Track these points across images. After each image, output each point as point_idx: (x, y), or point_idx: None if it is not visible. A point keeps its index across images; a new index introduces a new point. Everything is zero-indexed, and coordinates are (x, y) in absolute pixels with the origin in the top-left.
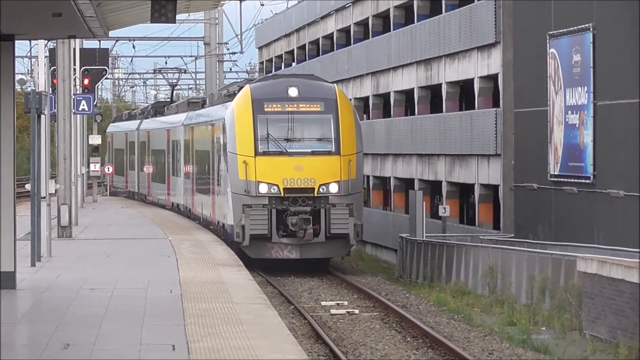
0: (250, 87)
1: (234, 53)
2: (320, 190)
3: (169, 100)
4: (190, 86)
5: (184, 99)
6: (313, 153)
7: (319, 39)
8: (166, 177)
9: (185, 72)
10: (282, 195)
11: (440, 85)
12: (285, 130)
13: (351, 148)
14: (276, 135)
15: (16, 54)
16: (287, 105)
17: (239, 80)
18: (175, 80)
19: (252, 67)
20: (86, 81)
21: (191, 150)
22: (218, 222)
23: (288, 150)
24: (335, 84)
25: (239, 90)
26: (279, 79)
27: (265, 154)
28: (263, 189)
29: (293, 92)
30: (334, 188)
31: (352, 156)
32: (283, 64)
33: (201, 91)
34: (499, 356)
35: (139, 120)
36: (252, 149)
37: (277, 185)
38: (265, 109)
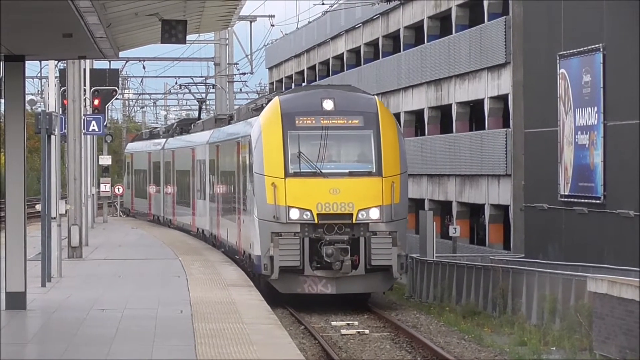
0: (280, 99)
1: (244, 73)
2: (359, 216)
3: (195, 117)
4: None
5: (211, 116)
6: (351, 174)
7: (329, 59)
8: (191, 200)
9: (213, 87)
10: (316, 222)
11: (450, 105)
12: (319, 148)
13: (394, 168)
14: (309, 153)
15: (26, 75)
16: (321, 120)
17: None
18: (203, 95)
19: (262, 88)
20: (96, 102)
21: (216, 170)
22: (244, 252)
23: (322, 171)
24: (376, 96)
25: (267, 103)
26: (312, 90)
27: (296, 175)
28: (294, 214)
29: (328, 104)
30: (374, 214)
31: (395, 177)
32: (293, 84)
33: (211, 112)
34: None
35: (164, 139)
36: (282, 170)
37: (310, 211)
38: (297, 124)
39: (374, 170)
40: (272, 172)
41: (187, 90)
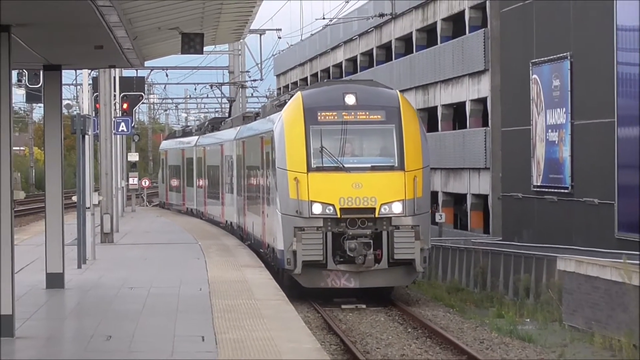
0: (302, 94)
1: (254, 80)
2: (382, 210)
3: (226, 116)
4: (216, 110)
5: (239, 114)
6: (373, 168)
7: (329, 67)
8: (220, 194)
9: (243, 87)
10: (339, 216)
11: (436, 107)
12: (342, 143)
13: (417, 162)
14: (331, 148)
15: (63, 82)
16: (343, 114)
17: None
18: (234, 95)
19: (271, 93)
20: (125, 105)
21: (243, 165)
22: (268, 246)
23: (345, 166)
24: (397, 90)
25: (290, 99)
26: (335, 85)
27: (319, 169)
28: (317, 209)
29: (350, 99)
30: (397, 208)
31: (418, 172)
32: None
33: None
34: (489, 345)
35: (196, 137)
36: (304, 164)
37: (333, 205)
38: (319, 119)
39: (397, 165)
40: (294, 167)
41: (205, 95)
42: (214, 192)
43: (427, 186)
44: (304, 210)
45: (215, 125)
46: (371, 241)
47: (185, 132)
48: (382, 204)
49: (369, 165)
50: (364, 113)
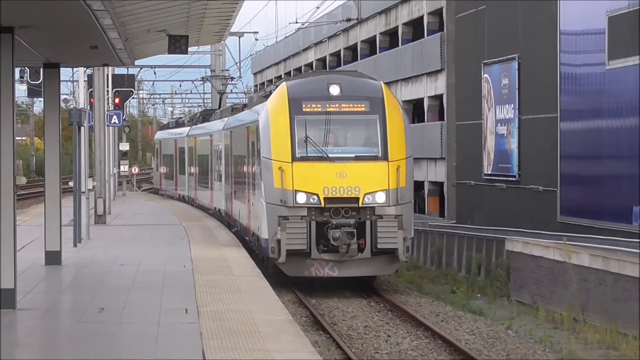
0: (287, 84)
1: (233, 78)
2: (366, 200)
3: (217, 108)
4: (199, 104)
5: (228, 106)
6: (357, 158)
7: (301, 66)
8: (209, 182)
9: (233, 79)
10: (323, 205)
11: None
12: (326, 133)
13: (400, 152)
14: (316, 138)
15: (61, 79)
16: (327, 105)
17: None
18: (223, 88)
19: (249, 89)
20: (117, 100)
21: (230, 155)
22: (253, 234)
23: (329, 155)
24: (381, 82)
25: (275, 89)
26: (319, 76)
27: (303, 159)
28: (301, 198)
29: (334, 90)
30: (380, 197)
31: (401, 162)
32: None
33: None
34: (444, 317)
35: (188, 127)
36: (289, 154)
37: (317, 195)
38: (304, 109)
39: (380, 155)
40: (279, 157)
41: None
42: (204, 180)
43: (410, 176)
44: (289, 200)
45: (206, 116)
46: (355, 230)
47: (179, 123)
48: (365, 194)
49: (353, 155)
50: (348, 103)
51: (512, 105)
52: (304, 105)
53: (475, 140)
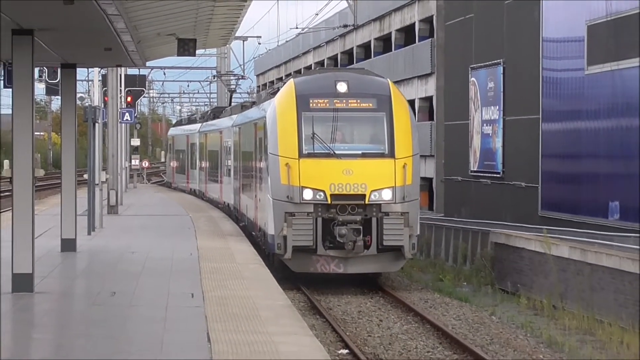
0: (295, 81)
1: (243, 76)
2: (372, 197)
3: (227, 105)
4: (205, 103)
5: (238, 103)
6: (364, 155)
7: (301, 69)
8: (219, 177)
9: (242, 78)
10: (329, 202)
11: None
12: (333, 130)
13: (406, 150)
14: (322, 134)
15: (77, 78)
16: (335, 102)
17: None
18: (233, 86)
19: (252, 90)
20: (129, 98)
21: (239, 151)
22: (260, 229)
23: (336, 152)
24: (388, 79)
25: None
26: (327, 73)
27: (310, 155)
28: (307, 195)
29: (342, 87)
30: (387, 195)
31: (408, 159)
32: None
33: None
34: (432, 304)
35: (199, 124)
36: (296, 150)
37: (324, 191)
38: (311, 106)
39: (387, 152)
40: (286, 153)
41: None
42: (214, 175)
43: (416, 174)
44: (295, 196)
45: (216, 113)
46: (361, 227)
47: (191, 120)
48: (372, 191)
49: (360, 152)
50: (355, 101)
51: (497, 107)
52: (311, 102)
53: (462, 139)
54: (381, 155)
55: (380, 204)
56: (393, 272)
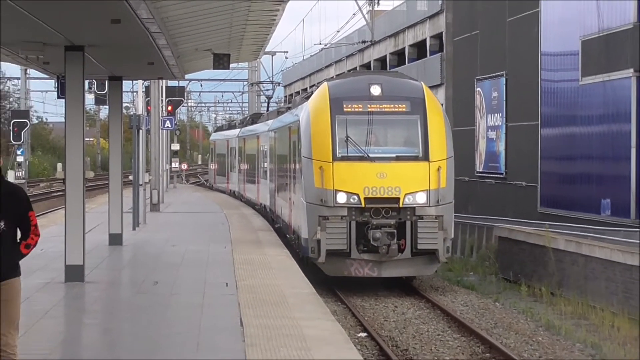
0: (328, 85)
1: (279, 83)
2: (406, 200)
3: (263, 112)
4: (238, 112)
5: (274, 109)
6: (398, 158)
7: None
8: (256, 179)
9: (279, 85)
10: (363, 205)
11: None
12: (367, 133)
13: (441, 153)
14: (356, 138)
15: (123, 89)
16: (368, 105)
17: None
18: (271, 92)
19: (280, 100)
20: (169, 108)
21: (274, 155)
22: (294, 232)
23: (370, 155)
24: (422, 82)
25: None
26: (360, 76)
27: (344, 159)
28: (341, 198)
29: (375, 90)
30: (421, 198)
31: (442, 162)
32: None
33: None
34: (442, 291)
35: (239, 129)
36: (330, 154)
37: (358, 195)
38: (345, 109)
39: (421, 155)
40: (319, 156)
41: (230, 100)
42: (252, 177)
43: (451, 176)
44: (329, 199)
45: (255, 119)
46: (395, 231)
47: (231, 126)
48: (406, 194)
49: (394, 155)
50: (389, 104)
51: (501, 114)
52: (344, 105)
53: (469, 143)
54: (415, 158)
55: (414, 207)
56: (427, 275)
